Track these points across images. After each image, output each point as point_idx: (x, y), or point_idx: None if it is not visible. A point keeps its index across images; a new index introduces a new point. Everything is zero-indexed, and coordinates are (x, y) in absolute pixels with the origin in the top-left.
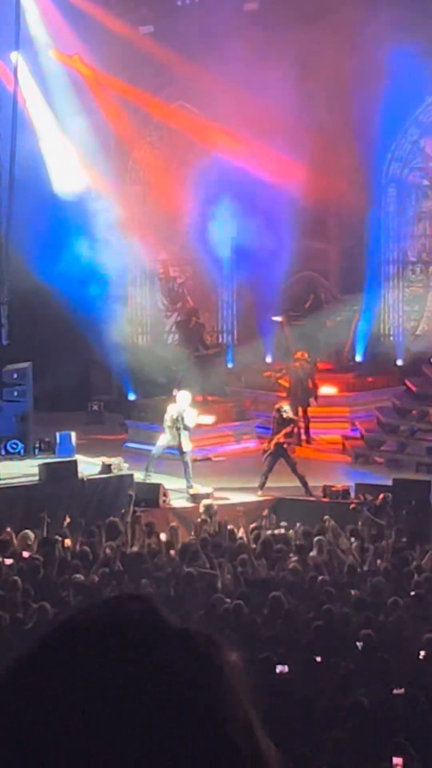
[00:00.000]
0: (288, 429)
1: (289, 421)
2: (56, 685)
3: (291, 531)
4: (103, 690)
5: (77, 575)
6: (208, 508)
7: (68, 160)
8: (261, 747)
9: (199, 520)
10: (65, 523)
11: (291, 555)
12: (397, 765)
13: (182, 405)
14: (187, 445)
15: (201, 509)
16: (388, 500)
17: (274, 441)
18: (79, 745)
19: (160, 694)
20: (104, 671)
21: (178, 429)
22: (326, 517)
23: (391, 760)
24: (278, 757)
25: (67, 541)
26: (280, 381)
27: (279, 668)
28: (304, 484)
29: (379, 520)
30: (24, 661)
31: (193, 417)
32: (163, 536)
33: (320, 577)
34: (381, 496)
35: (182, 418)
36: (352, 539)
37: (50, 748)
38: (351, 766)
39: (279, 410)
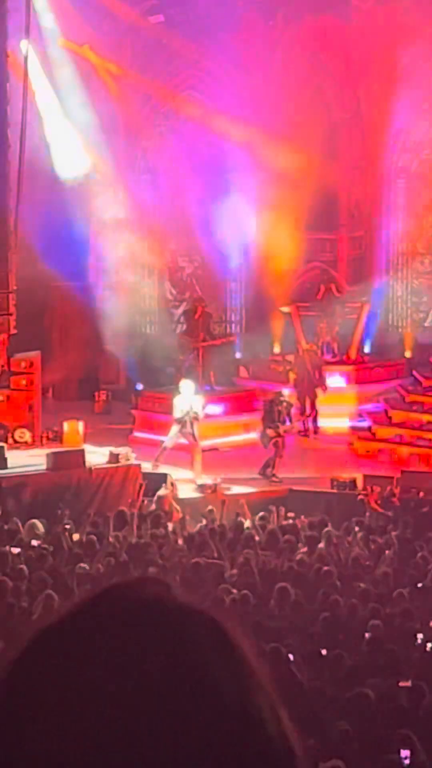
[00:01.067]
0: (302, 418)
1: (289, 406)
2: (76, 662)
3: (299, 522)
4: (126, 668)
5: (82, 564)
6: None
7: (77, 149)
8: (286, 729)
9: (206, 509)
10: (58, 512)
11: (299, 546)
12: (405, 758)
13: (188, 394)
14: (198, 435)
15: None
16: (393, 492)
17: (288, 429)
18: (100, 722)
19: (185, 673)
20: (127, 649)
21: (188, 419)
22: (329, 505)
23: (398, 752)
24: (298, 742)
25: (75, 536)
26: (289, 372)
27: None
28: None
29: (385, 512)
30: (46, 637)
31: (202, 405)
32: (170, 526)
33: (326, 568)
34: (388, 487)
35: (192, 408)
36: (357, 529)
37: (71, 723)
38: (356, 758)
39: (279, 395)
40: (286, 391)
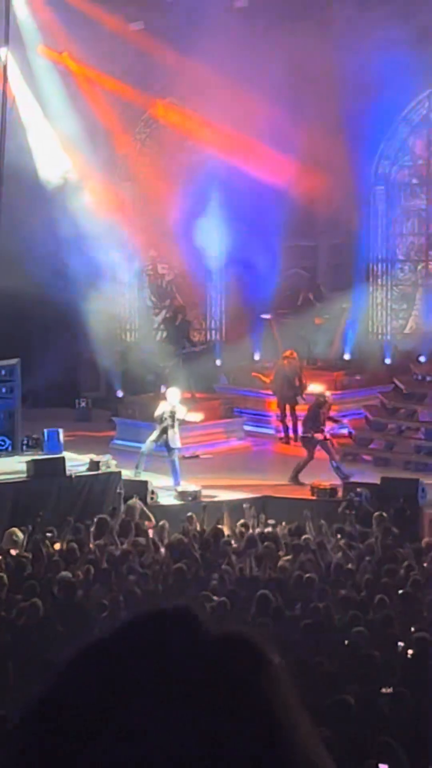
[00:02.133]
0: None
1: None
2: (83, 707)
3: (278, 529)
4: (135, 705)
5: (64, 572)
6: (130, 507)
7: (57, 156)
8: (298, 748)
9: (186, 516)
10: (38, 521)
11: (279, 553)
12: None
13: (172, 401)
14: (176, 442)
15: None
16: (366, 497)
17: (323, 429)
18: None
19: (195, 706)
20: (137, 687)
21: (168, 426)
22: (306, 512)
23: (377, 761)
24: (324, 755)
25: (56, 545)
26: (264, 379)
27: None
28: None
29: (357, 524)
30: (64, 674)
31: (184, 413)
32: (150, 533)
33: (307, 575)
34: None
35: (173, 414)
36: (339, 536)
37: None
38: (337, 765)
39: (323, 397)
40: (328, 393)
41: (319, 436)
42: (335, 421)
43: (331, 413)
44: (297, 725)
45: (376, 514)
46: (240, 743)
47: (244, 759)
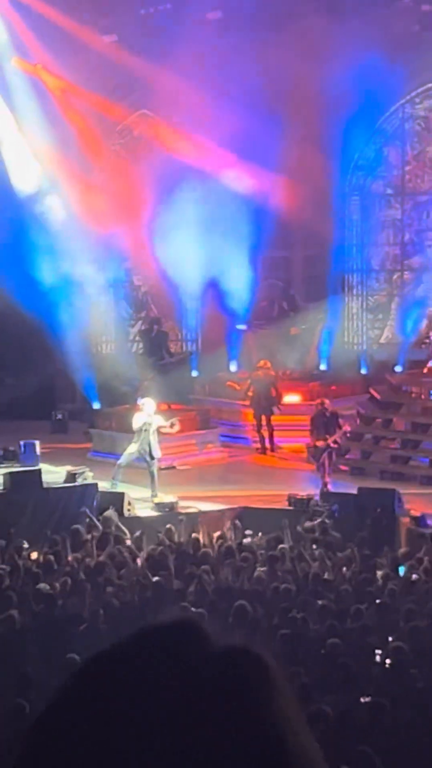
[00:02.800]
0: (346, 427)
1: (336, 416)
2: (94, 719)
3: (255, 539)
4: (140, 718)
5: (41, 584)
6: (107, 518)
7: (31, 166)
8: (304, 762)
9: (166, 527)
10: (12, 532)
11: (256, 563)
12: None
13: (149, 412)
14: (156, 452)
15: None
16: (332, 511)
17: (333, 439)
18: None
19: (200, 720)
20: (142, 700)
21: (148, 436)
22: (285, 521)
23: None
24: None
25: (33, 554)
26: (236, 387)
27: None
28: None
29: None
30: (63, 695)
31: (161, 423)
32: (128, 544)
33: (283, 585)
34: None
35: (151, 425)
36: (315, 547)
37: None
38: None
39: (322, 405)
40: (328, 401)
41: (320, 444)
42: (340, 427)
43: (340, 421)
44: (300, 737)
45: (337, 524)
46: (246, 755)
47: None
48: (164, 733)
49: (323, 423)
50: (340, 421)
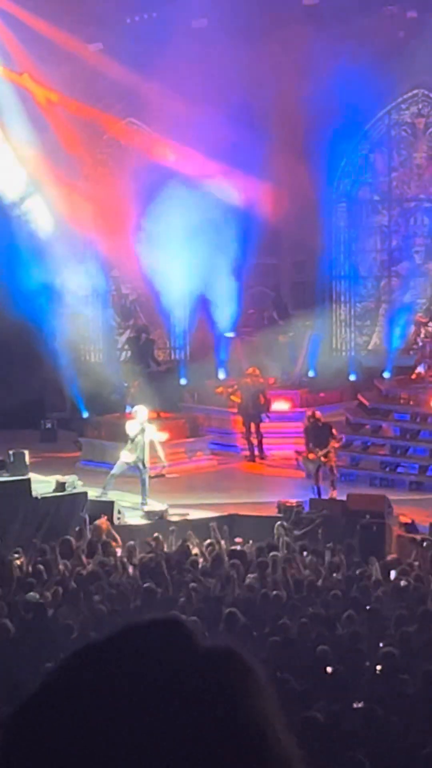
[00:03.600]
0: (339, 439)
1: (329, 426)
2: (78, 710)
3: (246, 547)
4: (124, 715)
5: (31, 593)
6: (95, 528)
7: (18, 177)
8: (283, 761)
9: (155, 535)
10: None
11: (247, 571)
12: None
13: (141, 419)
14: (147, 460)
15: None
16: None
17: (326, 452)
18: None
19: (181, 716)
20: (126, 697)
21: (142, 444)
22: (279, 528)
23: None
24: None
25: (21, 560)
26: (232, 397)
27: None
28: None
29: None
30: (41, 691)
31: (154, 431)
32: (119, 553)
33: (274, 592)
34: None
35: (144, 432)
36: (305, 553)
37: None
38: None
39: (313, 417)
40: (319, 412)
41: (312, 457)
42: (337, 440)
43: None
44: (279, 736)
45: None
46: (226, 751)
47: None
48: (145, 728)
49: (315, 435)
50: (333, 431)
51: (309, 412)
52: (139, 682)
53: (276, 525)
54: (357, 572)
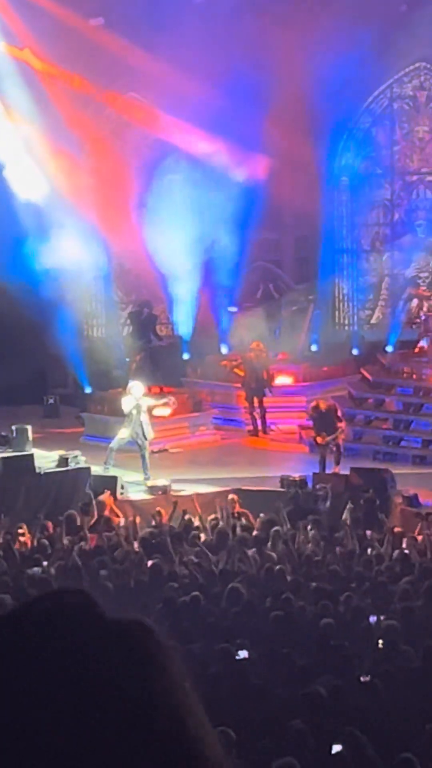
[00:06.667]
0: (342, 424)
1: (334, 410)
2: None
3: (249, 521)
4: (29, 685)
5: (35, 568)
6: (100, 503)
7: (22, 157)
8: (192, 733)
9: (156, 510)
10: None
11: (250, 545)
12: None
13: (137, 395)
14: (150, 433)
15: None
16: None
17: (335, 436)
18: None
19: (87, 687)
20: (32, 667)
21: (140, 419)
22: (279, 504)
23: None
24: (218, 743)
25: (27, 541)
26: (235, 370)
27: (242, 654)
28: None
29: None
30: None
31: (151, 403)
32: (122, 529)
33: (277, 567)
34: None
35: (140, 407)
36: (309, 528)
37: None
38: (311, 756)
39: (317, 407)
40: (321, 402)
41: (320, 440)
42: (340, 420)
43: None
44: (191, 710)
45: (350, 506)
46: (134, 724)
47: (137, 740)
48: (48, 701)
49: (322, 422)
50: (339, 413)
51: (313, 404)
52: (38, 656)
53: (278, 502)
54: (360, 546)
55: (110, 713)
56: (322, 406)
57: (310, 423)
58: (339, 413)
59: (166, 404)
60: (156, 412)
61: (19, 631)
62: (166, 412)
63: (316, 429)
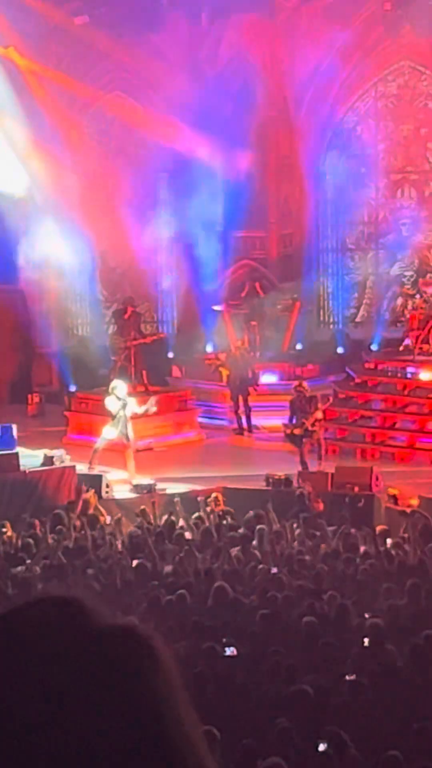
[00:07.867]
0: (324, 406)
1: (315, 398)
2: None
3: (234, 520)
4: (11, 694)
5: (19, 567)
6: (84, 502)
7: (5, 153)
8: (181, 742)
9: (141, 509)
10: None
11: (235, 544)
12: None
13: (121, 394)
14: (131, 434)
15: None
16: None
17: (311, 422)
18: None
19: (78, 699)
20: (23, 677)
21: (122, 418)
22: (268, 505)
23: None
24: (204, 756)
25: (9, 534)
26: (220, 369)
27: (229, 651)
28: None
29: (321, 508)
30: None
31: (135, 405)
32: (107, 527)
33: (261, 566)
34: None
35: (125, 407)
36: (295, 526)
37: None
38: (296, 754)
39: (300, 387)
40: (306, 383)
41: (298, 431)
42: (317, 409)
43: (320, 405)
44: (182, 718)
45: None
46: (121, 730)
47: (127, 748)
48: (39, 706)
49: (301, 407)
50: (319, 404)
51: (296, 383)
52: (29, 660)
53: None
54: (346, 544)
55: (97, 720)
56: (306, 388)
57: (288, 407)
58: (320, 404)
59: (146, 412)
60: (140, 409)
61: (4, 635)
62: (151, 410)
63: (291, 411)
